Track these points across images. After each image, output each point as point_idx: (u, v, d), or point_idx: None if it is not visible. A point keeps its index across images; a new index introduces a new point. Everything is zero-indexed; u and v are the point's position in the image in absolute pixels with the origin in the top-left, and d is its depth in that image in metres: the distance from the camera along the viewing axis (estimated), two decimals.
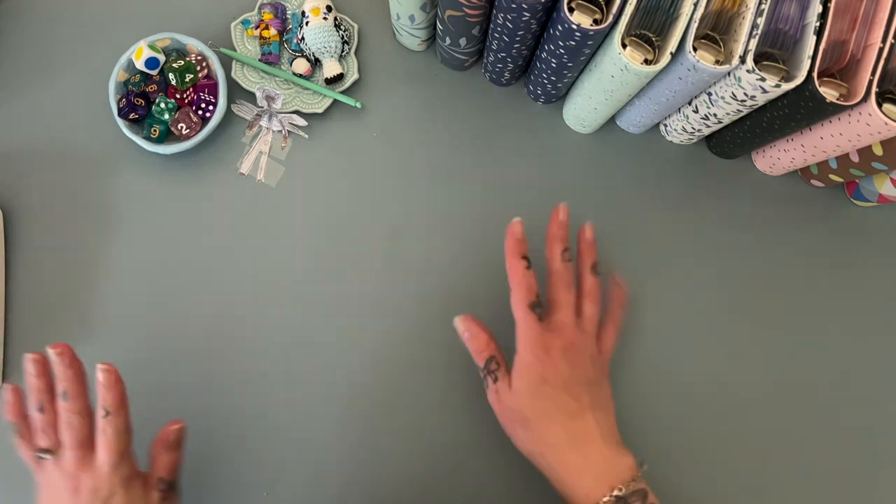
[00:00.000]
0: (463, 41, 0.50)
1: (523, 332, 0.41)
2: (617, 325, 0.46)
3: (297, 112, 0.54)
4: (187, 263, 0.52)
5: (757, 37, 0.40)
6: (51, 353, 0.40)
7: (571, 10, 0.41)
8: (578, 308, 0.43)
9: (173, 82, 0.51)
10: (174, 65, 0.51)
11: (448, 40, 0.51)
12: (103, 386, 0.40)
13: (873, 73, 0.41)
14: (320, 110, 0.53)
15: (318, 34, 0.52)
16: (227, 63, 0.54)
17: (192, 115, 0.51)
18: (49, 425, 0.40)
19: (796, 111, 0.43)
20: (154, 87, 0.52)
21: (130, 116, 0.51)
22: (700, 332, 0.52)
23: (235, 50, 0.54)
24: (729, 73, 0.42)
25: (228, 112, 0.54)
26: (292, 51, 0.54)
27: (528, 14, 0.42)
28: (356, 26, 0.55)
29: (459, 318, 0.44)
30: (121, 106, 0.51)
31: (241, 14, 0.55)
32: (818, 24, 0.41)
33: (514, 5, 0.41)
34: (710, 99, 0.46)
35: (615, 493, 0.38)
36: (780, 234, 0.55)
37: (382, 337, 0.51)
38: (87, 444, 0.40)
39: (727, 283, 0.53)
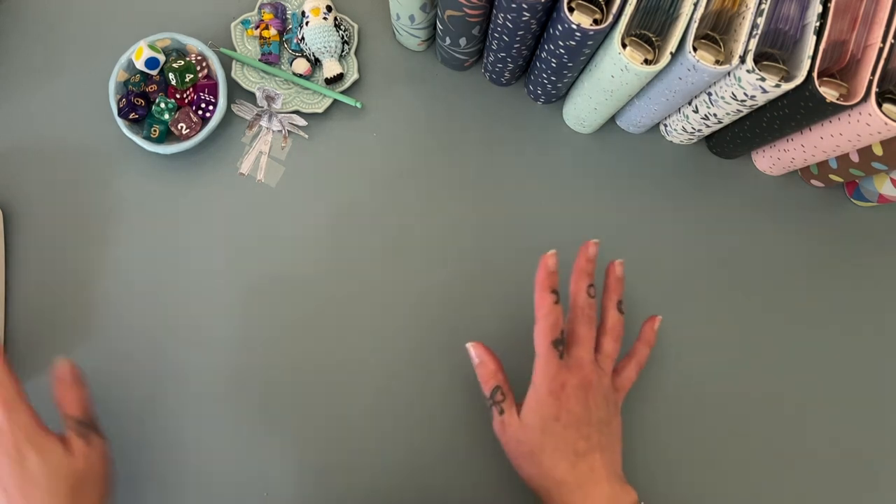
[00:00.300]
0: (463, 41, 0.50)
1: (542, 366, 0.41)
2: (640, 364, 0.45)
3: (297, 112, 0.54)
4: (187, 263, 0.52)
5: (757, 37, 0.40)
6: None
7: (571, 10, 0.41)
8: (598, 344, 0.43)
9: (173, 82, 0.51)
10: (174, 65, 0.51)
11: (448, 40, 0.51)
12: None
13: (873, 73, 0.41)
14: (320, 110, 0.53)
15: (318, 34, 0.52)
16: (227, 63, 0.54)
17: (192, 115, 0.51)
18: None
19: (796, 111, 0.44)
20: (154, 87, 0.52)
21: (130, 116, 0.51)
22: (699, 332, 0.52)
23: (235, 50, 0.54)
24: (729, 73, 0.42)
25: (228, 112, 0.54)
26: (292, 51, 0.54)
27: (528, 14, 0.42)
28: (356, 26, 0.55)
29: (472, 345, 0.44)
30: (121, 106, 0.51)
31: (241, 14, 0.55)
32: (818, 24, 0.41)
33: (514, 5, 0.41)
34: (710, 99, 0.46)
35: None
36: (780, 234, 0.55)
37: (382, 336, 0.51)
38: None
39: (727, 283, 0.53)
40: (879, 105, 0.41)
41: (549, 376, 0.40)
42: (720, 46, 0.42)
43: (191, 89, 0.52)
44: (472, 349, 0.44)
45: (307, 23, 0.52)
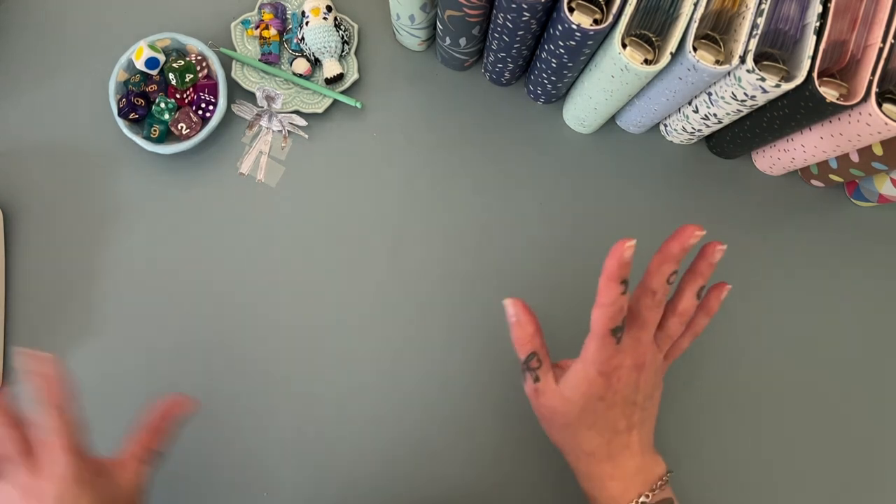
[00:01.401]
0: (463, 41, 0.50)
1: (597, 348, 0.38)
2: (696, 334, 0.43)
3: (297, 112, 0.54)
4: (187, 263, 0.52)
5: (757, 37, 0.40)
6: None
7: (571, 10, 0.41)
8: (663, 323, 0.40)
9: (173, 82, 0.51)
10: (174, 65, 0.51)
11: (448, 40, 0.51)
12: (41, 378, 0.37)
13: (873, 73, 0.41)
14: (320, 110, 0.53)
15: (318, 34, 0.52)
16: (227, 63, 0.54)
17: (192, 115, 0.51)
18: None
19: (796, 111, 0.43)
20: (154, 87, 0.52)
21: (130, 116, 0.51)
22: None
23: (235, 50, 0.54)
24: (729, 73, 0.42)
25: (228, 112, 0.54)
26: (292, 51, 0.54)
27: (528, 14, 0.42)
28: (356, 26, 0.55)
29: (510, 300, 0.40)
30: (121, 106, 0.51)
31: (241, 14, 0.55)
32: (818, 24, 0.41)
33: (514, 5, 0.41)
34: (710, 99, 0.46)
35: (641, 499, 0.38)
36: (780, 234, 0.55)
37: (382, 336, 0.51)
38: (29, 453, 0.37)
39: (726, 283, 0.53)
40: (879, 105, 0.41)
41: (602, 359, 0.38)
42: (720, 46, 0.42)
43: (191, 89, 0.52)
44: (510, 306, 0.40)
45: (307, 23, 0.52)
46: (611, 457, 0.39)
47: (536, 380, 0.40)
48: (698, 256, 0.41)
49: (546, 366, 0.40)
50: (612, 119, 0.55)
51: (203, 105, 0.52)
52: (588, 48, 0.43)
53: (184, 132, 0.51)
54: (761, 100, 0.43)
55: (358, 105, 0.54)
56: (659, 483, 0.39)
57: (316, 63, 0.54)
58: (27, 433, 0.37)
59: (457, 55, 0.53)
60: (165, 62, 0.51)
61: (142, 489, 0.39)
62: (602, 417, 0.39)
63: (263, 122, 0.54)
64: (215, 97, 0.52)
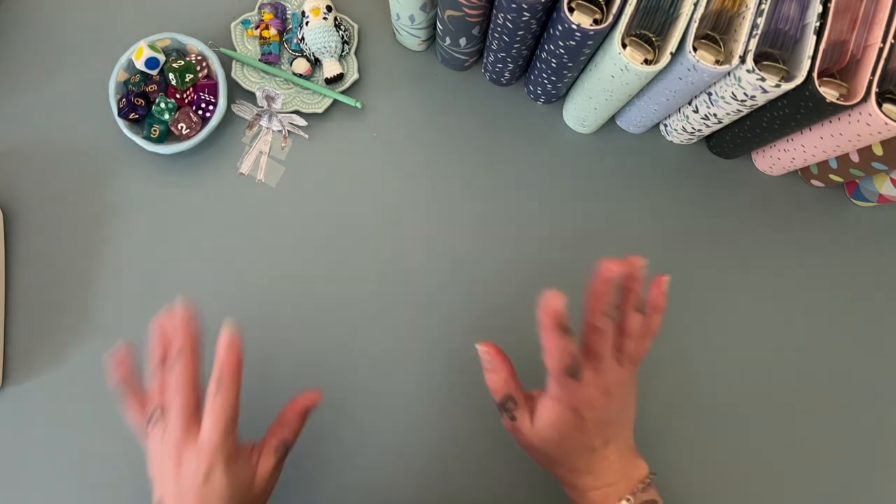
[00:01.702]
0: (463, 41, 0.50)
1: (559, 388, 0.38)
2: (653, 332, 0.43)
3: (297, 112, 0.54)
4: (187, 263, 0.52)
5: (757, 37, 0.40)
6: (178, 308, 0.40)
7: (571, 10, 0.41)
8: (620, 345, 0.41)
9: (173, 82, 0.51)
10: (174, 65, 0.51)
11: (448, 40, 0.51)
12: (224, 346, 0.39)
13: (873, 73, 0.41)
14: (320, 110, 0.53)
15: (318, 34, 0.52)
16: (227, 63, 0.54)
17: (192, 115, 0.51)
18: (160, 392, 0.40)
19: (796, 111, 0.43)
20: (154, 87, 0.52)
21: (130, 116, 0.51)
22: (698, 332, 0.52)
23: (235, 50, 0.54)
24: (729, 73, 0.42)
25: (228, 112, 0.54)
26: (292, 51, 0.54)
27: (528, 14, 0.42)
28: (356, 26, 0.55)
29: (482, 347, 0.41)
30: (121, 106, 0.51)
31: (241, 14, 0.55)
32: (818, 24, 0.41)
33: (514, 5, 0.41)
34: (710, 99, 0.46)
35: (623, 502, 0.39)
36: (780, 234, 0.55)
37: (383, 336, 0.51)
38: (194, 414, 0.39)
39: (726, 283, 0.53)
40: (879, 105, 0.41)
41: (567, 396, 0.39)
42: (720, 46, 0.42)
43: (191, 89, 0.52)
44: (483, 352, 0.41)
45: (307, 23, 0.52)
46: (591, 471, 0.40)
47: (513, 419, 0.41)
48: (623, 277, 0.42)
49: (521, 406, 0.41)
50: (612, 119, 0.55)
51: (203, 105, 0.52)
52: (588, 48, 0.43)
53: (184, 132, 0.51)
54: (761, 100, 0.43)
55: (358, 105, 0.54)
56: (641, 486, 0.40)
57: (316, 63, 0.54)
58: (197, 395, 0.39)
59: (457, 55, 0.53)
60: (165, 62, 0.51)
61: (273, 478, 0.41)
62: (578, 443, 0.40)
63: (263, 122, 0.54)
64: (215, 97, 0.52)
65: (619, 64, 0.42)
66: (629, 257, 0.42)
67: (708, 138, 0.56)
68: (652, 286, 0.44)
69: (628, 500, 0.39)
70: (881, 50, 0.41)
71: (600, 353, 0.40)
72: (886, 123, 0.40)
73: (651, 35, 0.42)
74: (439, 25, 0.50)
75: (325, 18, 0.52)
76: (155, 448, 0.40)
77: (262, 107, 0.54)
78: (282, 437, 0.41)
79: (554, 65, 0.46)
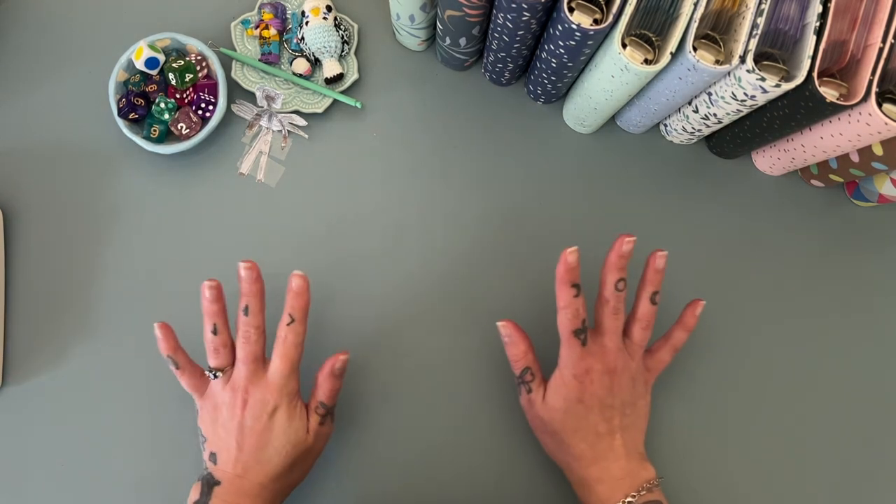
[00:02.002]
0: (463, 41, 0.50)
1: (567, 352, 0.42)
2: (676, 348, 0.46)
3: (297, 112, 0.54)
4: (187, 263, 0.52)
5: (757, 37, 0.40)
6: (241, 266, 0.42)
7: (571, 9, 0.41)
8: (628, 332, 0.44)
9: (173, 82, 0.51)
10: (174, 65, 0.51)
11: (448, 40, 0.51)
12: (294, 292, 0.42)
13: (873, 73, 0.41)
14: (320, 110, 0.53)
15: (318, 34, 0.52)
16: (227, 63, 0.54)
17: (192, 115, 0.51)
18: (223, 345, 0.42)
19: (796, 111, 0.43)
20: (154, 87, 0.52)
21: (130, 116, 0.51)
22: (698, 332, 0.52)
23: (235, 50, 0.54)
24: (729, 73, 0.42)
25: (228, 112, 0.54)
26: (292, 51, 0.54)
27: (528, 14, 0.42)
28: (356, 26, 0.55)
29: (502, 323, 0.44)
30: (121, 106, 0.51)
31: (241, 14, 0.55)
32: (818, 24, 0.41)
33: (514, 5, 0.41)
34: (710, 99, 0.46)
35: (628, 499, 0.40)
36: (780, 234, 0.55)
37: (383, 336, 0.51)
38: (260, 358, 0.42)
39: (726, 283, 0.53)
40: (879, 105, 0.41)
41: (573, 361, 0.42)
42: (720, 46, 0.42)
43: (191, 89, 0.52)
44: (503, 328, 0.44)
45: (307, 23, 0.52)
46: (596, 460, 0.41)
47: (529, 391, 0.43)
48: (645, 265, 0.44)
49: (538, 379, 0.44)
50: (612, 119, 0.55)
51: (203, 105, 0.52)
52: (588, 48, 0.43)
53: (184, 132, 0.51)
54: (761, 100, 0.43)
55: (358, 105, 0.54)
56: (646, 485, 0.41)
57: (316, 63, 0.54)
58: (263, 341, 0.42)
59: (457, 55, 0.53)
60: (165, 62, 0.51)
61: (321, 435, 0.43)
62: (583, 419, 0.41)
63: (263, 122, 0.54)
64: (215, 97, 0.52)
65: (619, 64, 0.42)
66: (655, 251, 0.44)
67: (708, 138, 0.56)
68: (688, 306, 0.46)
69: (633, 497, 0.40)
70: (881, 50, 0.41)
71: (606, 328, 0.43)
72: (886, 123, 0.40)
73: (651, 35, 0.42)
74: (439, 25, 0.50)
75: (325, 18, 0.52)
76: (216, 395, 0.42)
77: (262, 107, 0.54)
78: (319, 399, 0.43)
79: (554, 65, 0.46)
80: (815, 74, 0.40)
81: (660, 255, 0.44)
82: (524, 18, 0.42)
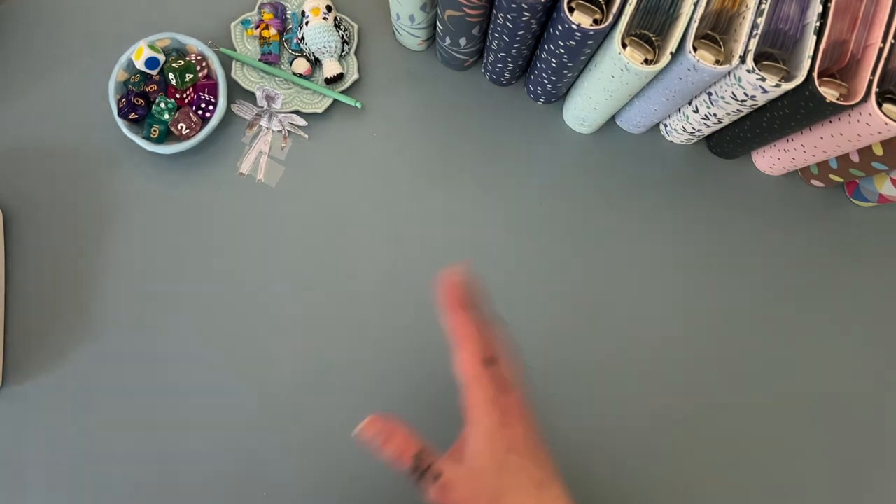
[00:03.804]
0: (463, 41, 0.50)
1: (478, 394, 0.33)
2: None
3: (297, 112, 0.54)
4: (187, 263, 0.52)
5: (757, 37, 0.40)
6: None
7: (571, 10, 0.41)
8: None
9: (173, 82, 0.51)
10: (174, 65, 0.51)
11: (448, 40, 0.51)
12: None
13: (873, 73, 0.41)
14: (320, 110, 0.53)
15: (318, 34, 0.52)
16: (227, 63, 0.54)
17: (192, 115, 0.51)
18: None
19: (796, 111, 0.44)
20: (154, 87, 0.52)
21: (130, 116, 0.51)
22: (698, 332, 0.52)
23: (235, 50, 0.54)
24: (729, 73, 0.42)
25: (228, 112, 0.54)
26: (292, 51, 0.54)
27: (528, 14, 0.42)
28: (356, 26, 0.55)
29: (361, 427, 0.34)
30: (121, 106, 0.51)
31: (241, 14, 0.55)
32: (818, 24, 0.41)
33: (514, 5, 0.41)
34: (710, 99, 0.46)
35: None
36: (780, 233, 0.55)
37: (383, 335, 0.51)
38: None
39: (726, 283, 0.53)
40: (879, 105, 0.41)
41: (489, 402, 0.33)
42: (720, 46, 0.42)
43: (191, 89, 0.52)
44: (368, 431, 0.34)
45: (307, 23, 0.52)
46: None
47: (437, 476, 0.33)
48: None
49: (439, 459, 0.34)
50: (612, 119, 0.56)
51: (203, 105, 0.52)
52: (588, 48, 0.43)
53: (184, 132, 0.51)
54: (761, 100, 0.43)
55: (358, 105, 0.54)
56: None
57: (316, 63, 0.54)
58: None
59: (457, 55, 0.53)
60: (165, 62, 0.51)
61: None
62: (520, 471, 0.34)
63: (263, 122, 0.54)
64: (215, 97, 0.52)
65: (619, 64, 0.42)
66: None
67: (708, 138, 0.56)
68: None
69: None
70: (881, 50, 0.41)
71: (496, 356, 0.35)
72: (886, 123, 0.40)
73: (651, 35, 0.42)
74: (439, 25, 0.50)
75: (325, 18, 0.52)
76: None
77: (261, 107, 0.54)
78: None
79: (554, 65, 0.46)
80: (815, 74, 0.40)
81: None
82: (524, 18, 0.42)
